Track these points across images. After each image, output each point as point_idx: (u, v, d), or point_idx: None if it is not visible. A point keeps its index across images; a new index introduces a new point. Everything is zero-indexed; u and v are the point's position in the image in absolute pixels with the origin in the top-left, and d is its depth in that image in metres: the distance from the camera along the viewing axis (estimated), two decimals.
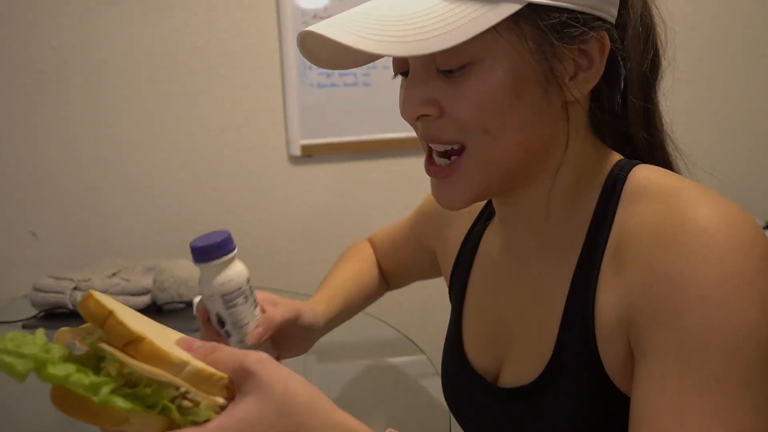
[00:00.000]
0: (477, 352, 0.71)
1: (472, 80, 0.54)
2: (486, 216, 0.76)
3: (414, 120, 0.58)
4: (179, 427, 0.43)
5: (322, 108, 1.78)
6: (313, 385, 0.47)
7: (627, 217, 0.56)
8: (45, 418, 1.03)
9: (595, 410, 0.56)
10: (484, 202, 0.77)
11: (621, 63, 0.59)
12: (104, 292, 1.34)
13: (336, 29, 0.52)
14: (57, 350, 0.42)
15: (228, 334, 0.71)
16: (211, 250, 0.67)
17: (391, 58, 0.60)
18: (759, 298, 0.47)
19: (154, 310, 1.40)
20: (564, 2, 0.53)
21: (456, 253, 0.79)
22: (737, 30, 2.07)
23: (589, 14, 0.54)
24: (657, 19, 0.64)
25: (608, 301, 0.55)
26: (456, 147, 0.57)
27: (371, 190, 1.87)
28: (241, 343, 0.71)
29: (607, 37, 0.56)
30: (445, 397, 0.77)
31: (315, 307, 0.82)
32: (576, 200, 0.61)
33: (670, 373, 0.47)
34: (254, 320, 0.72)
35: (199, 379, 0.44)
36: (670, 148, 0.67)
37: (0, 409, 1.07)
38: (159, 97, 1.72)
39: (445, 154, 0.59)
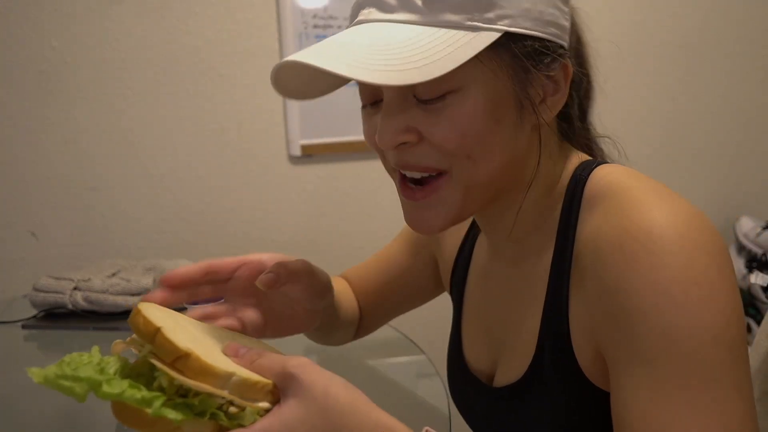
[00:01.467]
0: (474, 356, 0.74)
1: (453, 108, 0.54)
2: (477, 227, 0.78)
3: (392, 148, 0.57)
4: (228, 430, 0.46)
5: (322, 108, 1.78)
6: (354, 387, 0.49)
7: (586, 223, 0.57)
8: (45, 418, 1.03)
9: (574, 406, 0.59)
10: None
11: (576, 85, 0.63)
12: (104, 292, 1.35)
13: (321, 59, 0.51)
14: (113, 363, 0.46)
15: None
16: None
17: (359, 89, 0.61)
18: (709, 295, 0.48)
19: None
20: (535, 31, 0.55)
21: (453, 261, 0.81)
22: (726, 27, 2.07)
23: (555, 42, 0.57)
24: (590, 51, 0.67)
25: (577, 306, 0.57)
26: (433, 174, 0.58)
27: (371, 190, 1.87)
28: None
29: (569, 63, 0.59)
30: (453, 400, 0.80)
31: None
32: (545, 207, 0.63)
33: (638, 380, 0.49)
34: None
35: (245, 387, 0.47)
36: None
37: (0, 409, 1.07)
38: (159, 97, 1.72)
39: (419, 181, 0.59)
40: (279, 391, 0.49)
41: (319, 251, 1.85)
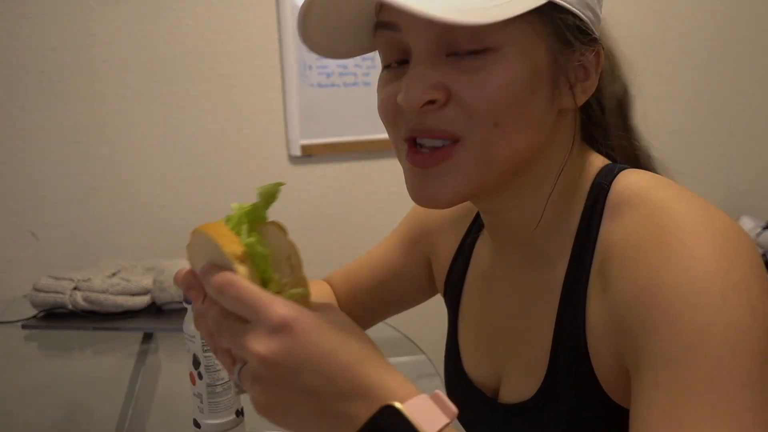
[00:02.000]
0: (475, 366, 0.71)
1: (490, 67, 0.51)
2: (477, 227, 0.75)
3: (419, 107, 0.53)
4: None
5: (322, 108, 1.78)
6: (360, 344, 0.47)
7: (611, 230, 0.55)
8: (45, 418, 1.03)
9: (592, 424, 0.56)
10: (474, 213, 0.75)
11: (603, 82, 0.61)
12: (104, 292, 1.35)
13: None
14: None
15: (200, 376, 0.74)
16: None
17: (380, 49, 0.58)
18: (746, 302, 0.46)
19: (154, 310, 1.40)
20: (576, 9, 0.53)
21: (449, 264, 0.78)
22: (742, 32, 2.07)
23: (590, 26, 0.55)
24: (619, 57, 0.65)
25: (597, 316, 0.55)
26: (448, 143, 0.54)
27: (371, 190, 1.87)
28: (210, 387, 0.73)
29: (602, 51, 0.57)
30: None
31: None
32: (561, 210, 0.60)
33: (661, 380, 0.46)
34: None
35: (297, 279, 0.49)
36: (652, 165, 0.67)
37: (0, 409, 1.07)
38: (159, 98, 1.72)
39: (433, 149, 0.55)
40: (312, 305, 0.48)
41: (319, 251, 1.85)
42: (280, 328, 0.43)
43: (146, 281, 1.39)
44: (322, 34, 0.57)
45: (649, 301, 0.48)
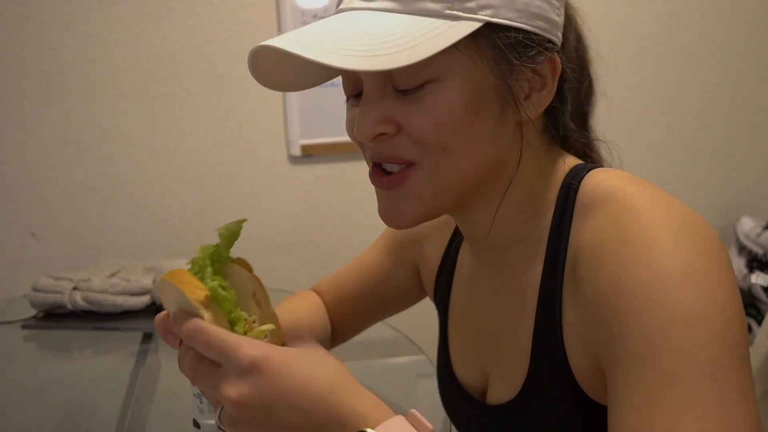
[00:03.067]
0: (464, 369, 0.72)
1: (430, 98, 0.53)
2: (459, 233, 0.75)
3: (371, 140, 0.56)
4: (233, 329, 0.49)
5: (322, 108, 1.78)
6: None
7: (580, 231, 0.56)
8: (45, 418, 1.03)
9: (574, 422, 0.57)
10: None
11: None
12: (104, 292, 1.35)
13: (298, 45, 0.50)
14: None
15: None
16: None
17: (342, 81, 0.60)
18: (707, 293, 0.47)
19: (154, 310, 1.40)
20: (519, 23, 0.54)
21: (436, 269, 0.78)
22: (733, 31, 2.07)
23: (542, 36, 0.55)
24: (591, 53, 0.65)
25: (571, 318, 0.56)
26: (404, 166, 0.57)
27: (371, 190, 1.86)
28: (200, 396, 0.73)
29: (558, 58, 0.57)
30: (447, 413, 0.78)
31: None
32: (533, 215, 0.61)
33: (631, 378, 0.47)
34: None
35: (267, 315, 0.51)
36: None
37: (0, 409, 1.07)
38: (159, 98, 1.72)
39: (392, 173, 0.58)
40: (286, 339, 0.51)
41: (319, 251, 1.86)
42: (249, 369, 0.45)
43: (146, 281, 1.39)
44: (272, 67, 0.57)
45: (613, 302, 0.49)
